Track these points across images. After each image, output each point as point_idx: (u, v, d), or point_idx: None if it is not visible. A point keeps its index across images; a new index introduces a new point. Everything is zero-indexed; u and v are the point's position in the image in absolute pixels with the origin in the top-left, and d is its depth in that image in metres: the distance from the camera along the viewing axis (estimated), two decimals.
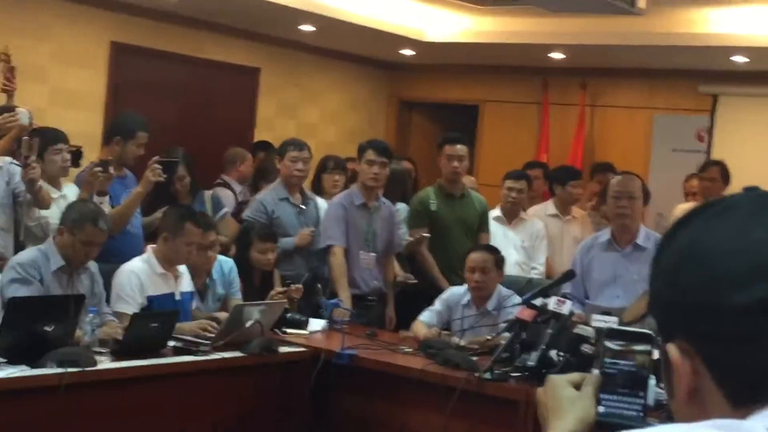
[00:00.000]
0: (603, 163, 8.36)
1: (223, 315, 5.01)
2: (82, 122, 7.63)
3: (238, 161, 7.56)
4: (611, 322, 4.21)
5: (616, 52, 8.61)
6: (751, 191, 1.10)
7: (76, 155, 5.43)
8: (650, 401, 1.72)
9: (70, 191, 5.34)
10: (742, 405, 1.01)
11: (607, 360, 1.53)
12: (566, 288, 4.83)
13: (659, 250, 1.11)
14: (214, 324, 4.83)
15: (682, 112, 9.29)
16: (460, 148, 6.31)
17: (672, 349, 1.05)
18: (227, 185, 7.33)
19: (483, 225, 6.45)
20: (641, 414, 1.49)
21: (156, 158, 5.49)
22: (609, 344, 1.52)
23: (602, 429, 1.48)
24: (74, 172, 5.71)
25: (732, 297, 1.00)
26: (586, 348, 4.14)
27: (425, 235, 6.15)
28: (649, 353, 1.48)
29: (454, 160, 6.27)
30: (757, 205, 1.06)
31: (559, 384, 1.46)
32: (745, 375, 1.01)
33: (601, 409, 1.47)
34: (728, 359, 1.02)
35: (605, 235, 5.18)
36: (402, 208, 6.53)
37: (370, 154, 5.87)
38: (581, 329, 4.26)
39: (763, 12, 7.40)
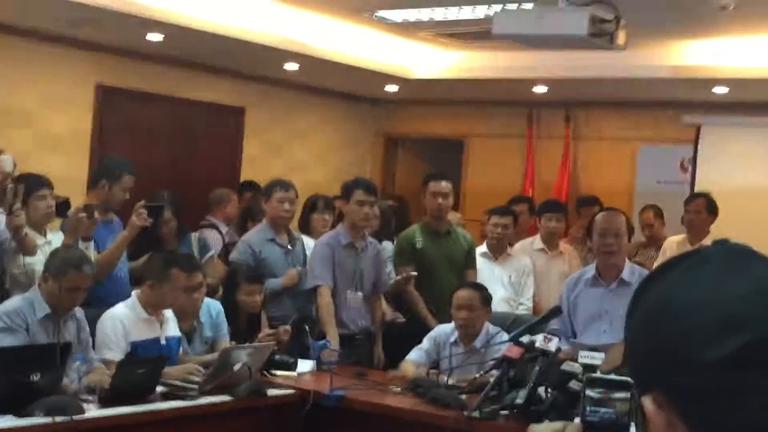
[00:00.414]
0: (588, 197, 8.42)
1: (210, 358, 4.99)
2: (67, 166, 7.66)
3: (224, 202, 7.59)
4: (598, 358, 4.22)
5: (599, 85, 8.69)
6: (722, 244, 1.12)
7: (64, 206, 5.41)
8: None
9: (56, 237, 5.31)
10: None
11: (588, 407, 1.56)
12: (553, 324, 4.85)
13: (633, 302, 1.12)
14: (200, 368, 4.81)
15: (667, 142, 9.37)
16: (445, 185, 6.33)
17: (647, 402, 1.06)
18: (214, 226, 7.35)
19: (470, 262, 6.46)
20: None
21: (142, 203, 5.49)
22: (590, 392, 1.55)
23: None
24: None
25: (703, 351, 1.01)
26: (573, 385, 4.14)
27: (412, 273, 6.16)
28: (629, 401, 1.51)
29: (439, 197, 6.29)
30: (730, 259, 1.06)
31: None
32: (720, 428, 1.02)
33: None
34: (701, 413, 1.02)
35: (590, 271, 5.20)
36: (387, 246, 6.55)
37: (360, 195, 5.88)
38: (568, 366, 4.27)
39: (742, 43, 7.49)
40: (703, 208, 7.31)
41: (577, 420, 1.57)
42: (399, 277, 6.20)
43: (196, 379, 4.67)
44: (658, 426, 1.05)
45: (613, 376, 1.68)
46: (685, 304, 1.04)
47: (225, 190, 7.72)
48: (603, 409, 1.54)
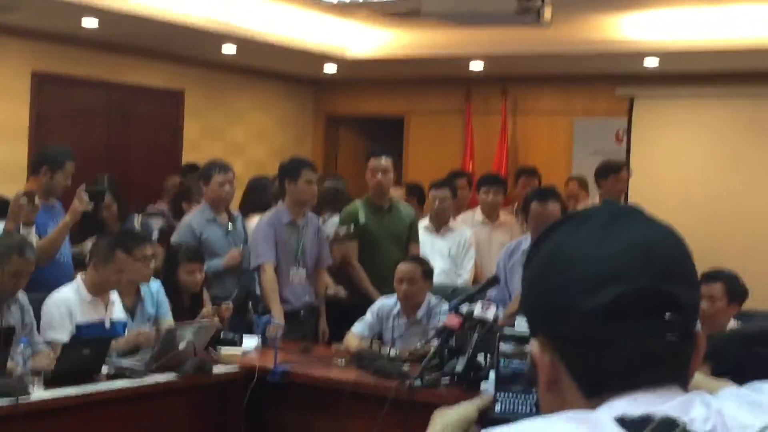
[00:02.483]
0: (527, 168, 8.53)
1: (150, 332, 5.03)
2: (7, 153, 7.62)
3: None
4: None
5: (534, 60, 8.80)
6: (608, 204, 1.21)
7: (3, 206, 5.41)
8: None
9: None
10: (593, 396, 1.10)
11: (502, 361, 1.65)
12: (491, 293, 4.95)
13: (529, 254, 1.21)
14: (146, 330, 4.89)
15: (601, 115, 9.53)
16: (384, 161, 6.39)
17: (534, 344, 1.15)
18: (161, 213, 7.38)
19: (412, 235, 6.54)
20: (534, 410, 1.59)
21: (83, 187, 5.50)
22: (503, 346, 1.64)
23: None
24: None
25: (581, 302, 1.09)
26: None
27: (350, 230, 6.24)
28: None
29: (378, 172, 6.35)
30: (609, 218, 1.15)
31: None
32: (592, 371, 1.11)
33: (497, 407, 1.58)
34: (578, 357, 1.11)
35: (526, 241, 5.31)
36: (334, 221, 6.61)
37: (309, 174, 5.96)
38: (507, 331, 4.38)
39: (671, 15, 7.64)
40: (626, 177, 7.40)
41: (487, 382, 1.63)
42: (338, 232, 6.26)
43: (144, 338, 4.75)
44: (543, 367, 1.14)
45: (523, 331, 1.76)
46: (568, 258, 1.13)
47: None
48: (515, 362, 1.63)
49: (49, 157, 5.76)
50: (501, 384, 1.49)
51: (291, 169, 6.03)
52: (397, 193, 7.46)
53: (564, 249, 1.14)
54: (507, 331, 2.16)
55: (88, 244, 5.73)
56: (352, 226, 6.25)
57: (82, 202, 5.40)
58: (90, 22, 7.53)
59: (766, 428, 1.06)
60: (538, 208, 5.17)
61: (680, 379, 1.12)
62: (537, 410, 1.52)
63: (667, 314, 1.09)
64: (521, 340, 1.49)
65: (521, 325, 4.44)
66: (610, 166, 7.35)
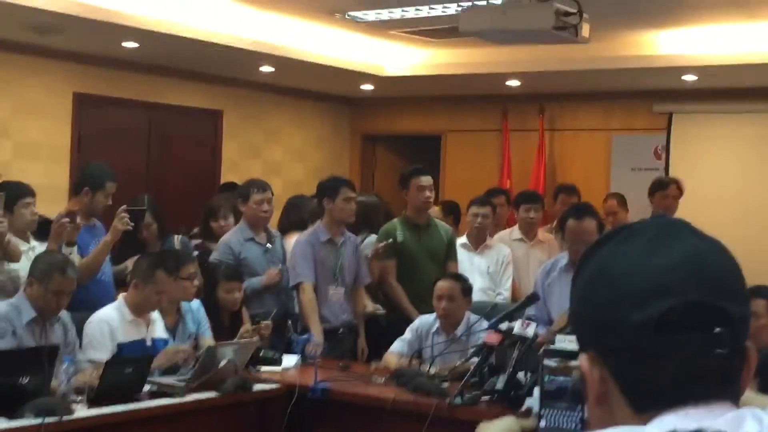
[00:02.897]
0: (566, 185, 8.49)
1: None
2: (48, 174, 7.70)
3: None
4: (575, 341, 4.31)
5: (571, 77, 8.79)
6: (656, 218, 1.21)
7: (45, 225, 5.48)
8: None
9: (39, 243, 5.37)
10: (643, 412, 1.10)
11: (547, 376, 1.65)
12: (530, 311, 4.94)
13: (577, 270, 1.21)
14: (185, 348, 4.93)
15: (639, 131, 9.49)
16: (428, 179, 6.43)
17: (583, 359, 1.15)
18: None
19: (450, 253, 6.54)
20: (579, 426, 1.59)
21: (123, 207, 5.55)
22: (547, 362, 1.64)
23: None
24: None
25: (631, 315, 1.09)
26: None
27: (389, 241, 6.24)
28: None
29: (425, 190, 6.37)
30: (658, 231, 1.15)
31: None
32: (642, 386, 1.10)
33: (542, 423, 1.58)
34: (628, 371, 1.11)
35: (564, 258, 5.30)
36: (372, 240, 6.62)
37: (347, 192, 5.99)
38: (552, 346, 4.36)
39: (708, 31, 7.60)
40: (677, 193, 7.41)
41: (532, 398, 1.63)
42: (377, 248, 6.26)
43: (184, 355, 4.79)
44: (592, 381, 1.14)
45: (567, 346, 1.76)
46: (618, 273, 1.13)
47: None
48: (560, 377, 1.62)
49: (89, 178, 5.83)
50: (546, 400, 1.48)
51: (329, 188, 6.06)
52: (434, 212, 7.47)
53: (613, 263, 1.15)
54: (551, 346, 2.16)
55: (129, 264, 5.78)
56: (392, 241, 6.26)
57: (122, 221, 5.44)
58: (130, 44, 7.63)
59: None
60: (574, 225, 5.16)
61: (731, 394, 1.11)
62: (583, 426, 1.51)
63: (717, 328, 1.09)
64: (566, 355, 1.48)
65: (562, 341, 4.44)
66: (656, 183, 7.43)
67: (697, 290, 1.09)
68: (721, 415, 1.07)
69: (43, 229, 5.45)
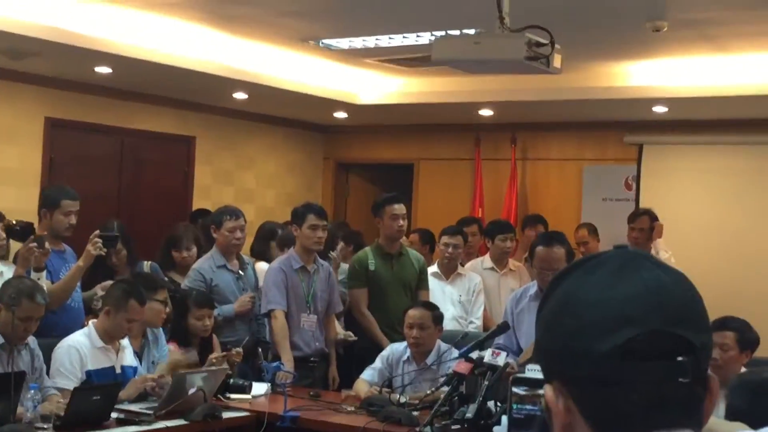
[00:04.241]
0: (533, 216, 8.56)
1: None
2: (19, 198, 7.64)
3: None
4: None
5: (543, 107, 8.84)
6: (620, 249, 1.22)
7: (27, 229, 5.43)
8: None
9: (7, 269, 5.34)
10: None
11: (515, 405, 1.66)
12: (499, 340, 4.95)
13: (542, 300, 1.22)
14: (152, 376, 4.90)
15: (610, 162, 9.57)
16: (401, 207, 6.45)
17: (548, 390, 1.16)
18: None
19: (422, 282, 6.56)
20: None
21: (97, 232, 5.53)
22: (515, 390, 1.65)
23: None
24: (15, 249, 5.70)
25: (595, 345, 1.10)
26: None
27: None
28: None
29: (399, 218, 6.40)
30: (622, 262, 1.17)
31: None
32: (607, 415, 1.11)
33: None
34: (593, 399, 1.12)
35: (533, 287, 5.33)
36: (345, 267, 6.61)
37: (313, 219, 5.98)
38: (520, 375, 4.37)
39: (678, 64, 7.69)
40: (647, 225, 7.48)
41: (500, 426, 1.64)
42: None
43: (153, 384, 4.75)
44: (557, 412, 1.15)
45: (536, 375, 1.77)
46: (582, 303, 1.14)
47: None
48: (528, 406, 1.63)
49: (45, 199, 5.80)
50: (514, 428, 1.49)
51: (297, 214, 6.08)
52: (412, 239, 7.53)
53: (577, 293, 1.16)
54: (520, 374, 2.16)
55: (98, 290, 5.75)
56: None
57: (95, 246, 5.42)
58: (103, 69, 7.62)
59: None
60: (542, 252, 5.20)
61: (694, 422, 1.12)
62: None
63: (680, 357, 1.10)
64: (534, 383, 1.48)
65: (531, 370, 4.45)
66: (630, 215, 7.56)
67: (660, 320, 1.10)
68: None
69: (25, 233, 5.40)
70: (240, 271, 6.20)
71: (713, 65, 7.58)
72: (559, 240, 5.31)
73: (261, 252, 7.00)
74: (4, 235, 5.39)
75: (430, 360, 5.36)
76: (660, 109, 8.50)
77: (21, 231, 5.43)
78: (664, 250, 7.39)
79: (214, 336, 5.69)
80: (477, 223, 8.23)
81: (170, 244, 6.64)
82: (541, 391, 1.49)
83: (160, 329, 5.38)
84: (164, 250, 6.69)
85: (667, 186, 9.12)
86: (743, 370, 4.71)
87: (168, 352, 5.36)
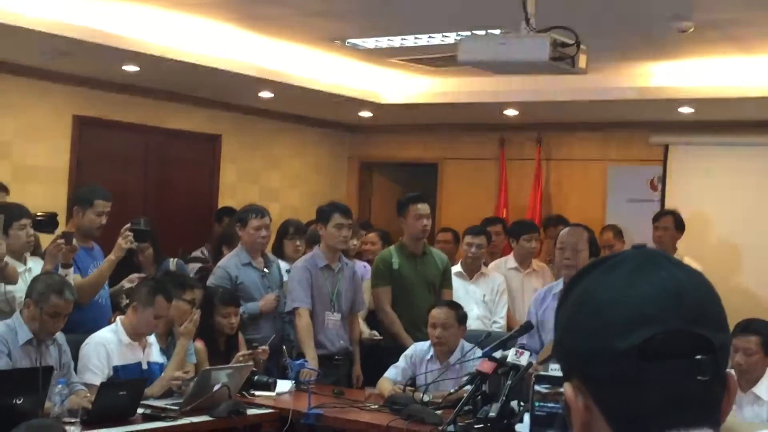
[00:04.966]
0: (554, 216, 8.56)
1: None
2: (47, 196, 7.72)
3: None
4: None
5: (568, 107, 8.83)
6: (638, 248, 1.24)
7: (51, 220, 5.54)
8: None
9: (36, 265, 5.38)
10: None
11: (537, 403, 1.67)
12: (523, 339, 4.95)
13: (561, 300, 1.23)
14: (182, 375, 4.94)
15: (635, 162, 9.53)
16: (425, 207, 6.45)
17: (567, 388, 1.17)
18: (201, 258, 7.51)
19: (445, 281, 6.56)
20: None
21: (127, 226, 5.58)
22: (537, 388, 1.66)
23: None
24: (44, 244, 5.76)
25: (615, 343, 1.11)
26: None
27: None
28: None
29: (423, 218, 6.39)
30: (641, 261, 1.17)
31: None
32: (626, 413, 1.11)
33: None
34: (613, 398, 1.12)
35: (558, 285, 5.33)
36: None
37: (338, 218, 5.99)
38: (542, 372, 4.36)
39: (704, 64, 7.66)
40: (671, 224, 7.45)
41: (523, 424, 1.65)
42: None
43: (185, 377, 4.82)
44: (576, 410, 1.16)
45: (558, 373, 1.77)
46: (601, 302, 1.15)
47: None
48: (550, 404, 1.64)
49: (79, 197, 5.85)
50: (536, 426, 1.50)
51: (322, 213, 6.08)
52: (444, 237, 7.58)
53: (596, 293, 1.17)
54: (542, 372, 2.18)
55: (125, 283, 5.81)
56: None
57: (126, 239, 5.47)
58: (130, 68, 7.68)
59: None
60: (566, 231, 5.39)
61: (712, 421, 1.13)
62: None
63: (699, 356, 1.11)
64: (556, 381, 1.49)
65: (554, 369, 4.45)
66: (655, 215, 7.56)
67: (679, 319, 1.11)
68: None
69: (48, 223, 5.50)
70: (265, 269, 6.22)
71: (739, 66, 7.55)
72: (581, 225, 5.50)
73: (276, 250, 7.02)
74: (32, 232, 5.44)
75: (453, 359, 5.37)
76: (686, 110, 8.47)
77: (46, 222, 5.51)
78: (690, 258, 7.38)
79: (240, 334, 5.72)
80: (501, 223, 8.22)
81: (221, 241, 6.76)
82: (562, 389, 1.50)
83: None
84: (216, 246, 6.86)
85: (693, 187, 9.08)
86: None
87: (195, 350, 5.39)
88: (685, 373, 1.11)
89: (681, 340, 1.11)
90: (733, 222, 8.87)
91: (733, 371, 1.26)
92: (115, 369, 4.85)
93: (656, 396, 1.11)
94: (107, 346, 4.88)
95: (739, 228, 8.83)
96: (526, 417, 1.60)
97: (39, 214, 5.61)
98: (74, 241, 5.38)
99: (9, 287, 5.20)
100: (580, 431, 1.16)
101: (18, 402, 4.02)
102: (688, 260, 6.91)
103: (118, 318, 5.13)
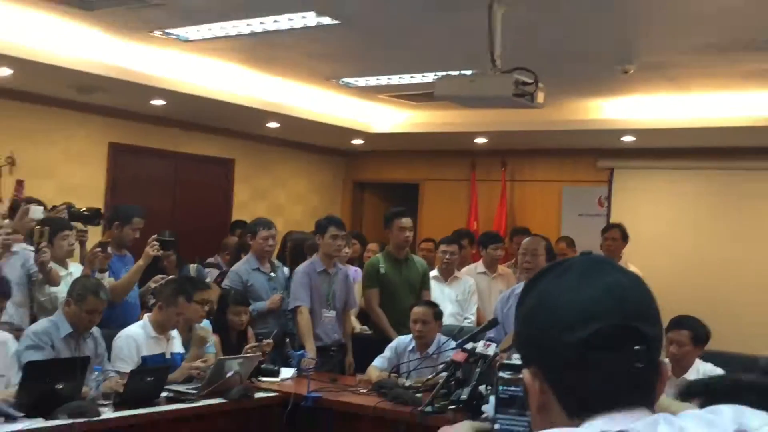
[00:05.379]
0: (520, 228, 8.54)
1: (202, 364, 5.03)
2: None
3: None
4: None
5: (529, 136, 8.86)
6: (585, 255, 1.23)
7: (96, 214, 5.64)
8: None
9: (76, 269, 5.37)
10: (575, 417, 1.11)
11: (501, 387, 1.66)
12: (490, 333, 4.93)
13: (521, 298, 1.22)
14: (200, 364, 4.91)
15: (585, 183, 9.54)
16: (408, 221, 6.44)
17: (526, 374, 1.17)
18: (217, 265, 7.48)
19: (424, 284, 6.53)
20: (527, 429, 1.59)
21: (155, 236, 5.57)
22: (501, 374, 1.65)
23: None
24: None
25: (565, 336, 1.11)
26: None
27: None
28: None
29: (406, 230, 6.38)
30: (587, 267, 1.17)
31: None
32: (575, 395, 1.11)
33: (497, 426, 1.59)
34: (564, 382, 1.12)
35: (520, 287, 5.31)
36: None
37: (334, 230, 5.96)
38: (506, 361, 4.34)
39: (644, 100, 7.69)
40: (618, 236, 7.43)
41: (489, 405, 1.65)
42: None
43: (202, 366, 4.80)
44: (533, 393, 1.15)
45: (519, 362, 1.77)
46: (554, 302, 1.14)
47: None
48: (512, 387, 1.63)
49: (120, 213, 5.84)
50: (500, 407, 1.50)
51: (320, 226, 6.07)
52: (427, 246, 7.56)
53: (550, 293, 1.16)
54: (506, 360, 2.17)
55: (151, 284, 5.79)
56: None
57: (153, 248, 5.46)
58: (158, 102, 7.67)
59: None
60: (527, 241, 5.40)
61: (648, 402, 1.12)
62: (530, 429, 1.52)
63: (636, 346, 1.11)
64: (517, 368, 1.49)
65: (516, 358, 4.44)
66: (604, 228, 7.56)
67: (619, 315, 1.11)
68: (639, 419, 1.08)
69: (94, 217, 5.62)
70: (271, 273, 6.20)
71: (673, 101, 7.59)
72: (540, 236, 5.52)
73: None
74: (73, 242, 5.42)
75: (431, 350, 5.34)
76: (628, 139, 8.50)
77: (91, 216, 5.56)
78: (633, 265, 7.38)
79: (250, 328, 5.68)
80: (469, 237, 8.20)
81: (240, 249, 6.78)
82: (522, 375, 1.49)
83: (207, 323, 5.36)
84: (235, 253, 6.87)
85: (635, 205, 9.11)
86: (698, 361, 4.69)
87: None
88: (625, 361, 1.10)
89: (621, 333, 1.10)
90: (668, 234, 8.89)
91: (667, 360, 1.26)
92: (143, 359, 4.81)
93: (600, 381, 1.10)
94: (136, 339, 4.85)
95: (672, 240, 8.86)
96: (492, 399, 1.60)
97: (84, 209, 5.63)
98: (109, 250, 5.37)
99: (52, 288, 5.20)
100: (536, 410, 1.16)
101: (59, 387, 3.99)
102: (631, 266, 6.94)
103: (145, 315, 5.10)
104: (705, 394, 1.66)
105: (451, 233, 7.51)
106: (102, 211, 5.74)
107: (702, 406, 1.56)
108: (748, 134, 7.73)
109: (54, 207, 5.79)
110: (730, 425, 1.08)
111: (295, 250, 6.63)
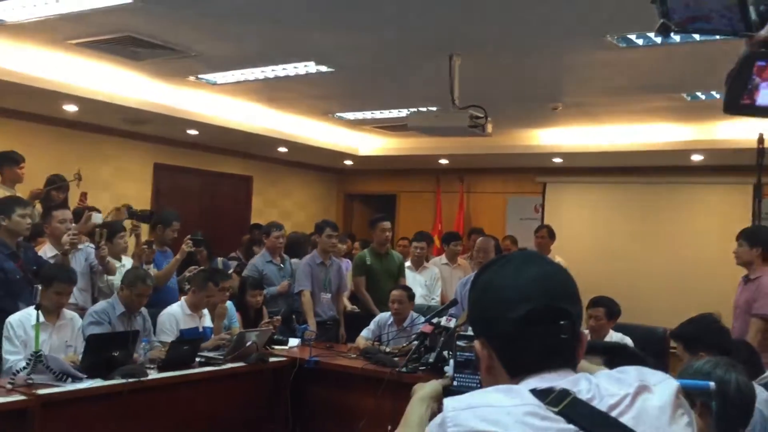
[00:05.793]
0: (475, 228, 8.55)
1: (228, 336, 5.01)
2: None
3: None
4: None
5: (481, 158, 8.88)
6: (522, 251, 1.25)
7: (149, 215, 5.66)
8: None
9: (128, 262, 5.33)
10: (515, 377, 1.13)
11: (459, 353, 1.67)
12: (452, 311, 4.93)
13: (473, 284, 1.24)
14: (226, 336, 4.89)
15: (525, 194, 9.57)
16: (387, 224, 6.44)
17: (476, 343, 1.18)
18: (238, 258, 7.44)
19: (401, 272, 6.52)
20: (479, 385, 1.61)
21: (189, 236, 5.55)
22: (459, 342, 1.67)
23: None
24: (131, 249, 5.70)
25: (506, 314, 1.13)
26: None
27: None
28: None
29: (386, 231, 6.37)
30: (523, 260, 1.19)
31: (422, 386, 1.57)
32: (515, 360, 1.13)
33: (455, 383, 1.60)
34: (506, 350, 1.14)
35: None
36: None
37: (329, 231, 5.96)
38: (462, 333, 4.34)
39: (570, 131, 7.72)
40: (546, 234, 7.44)
41: (449, 366, 1.66)
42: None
43: (226, 340, 4.75)
44: (482, 357, 1.17)
45: (471, 333, 1.79)
46: (497, 287, 1.16)
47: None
48: (467, 353, 1.65)
49: (162, 219, 5.81)
50: (458, 368, 1.51)
51: (318, 227, 6.07)
52: (403, 243, 7.53)
53: (494, 280, 1.18)
54: (462, 332, 2.17)
55: (186, 273, 5.76)
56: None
57: (187, 245, 5.44)
58: (193, 132, 7.63)
59: (627, 395, 1.09)
60: (481, 241, 5.49)
61: (572, 365, 1.14)
62: (480, 386, 1.54)
63: (561, 321, 1.12)
64: (471, 338, 1.51)
65: (470, 330, 4.44)
66: (536, 228, 7.53)
67: (548, 297, 1.13)
68: (565, 377, 1.10)
69: (148, 216, 5.63)
70: (281, 265, 6.19)
71: (592, 132, 7.64)
72: (492, 237, 5.60)
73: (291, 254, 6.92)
74: (125, 243, 5.38)
75: (406, 324, 5.34)
76: (558, 160, 8.54)
77: (146, 215, 5.61)
78: (559, 257, 7.41)
79: (264, 308, 5.67)
80: (426, 239, 8.11)
81: (252, 244, 6.77)
82: (474, 344, 1.51)
83: (231, 303, 5.34)
84: (248, 247, 6.83)
85: (563, 211, 9.15)
86: (611, 331, 4.71)
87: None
88: (553, 333, 1.12)
89: (550, 311, 1.12)
90: (587, 233, 8.94)
91: (587, 331, 1.27)
92: (181, 332, 4.79)
93: (534, 349, 1.12)
94: (175, 316, 4.82)
95: (591, 237, 8.91)
96: (452, 362, 1.62)
97: (140, 210, 5.61)
98: (153, 247, 5.34)
99: (110, 277, 5.16)
100: (485, 372, 1.17)
101: (115, 354, 3.97)
102: (558, 258, 6.99)
103: (182, 298, 5.07)
104: (603, 353, 1.70)
105: (418, 233, 7.50)
106: (154, 211, 5.72)
107: (606, 364, 1.57)
108: (648, 157, 7.80)
109: (117, 208, 5.77)
110: (634, 381, 1.09)
111: (289, 245, 6.61)
